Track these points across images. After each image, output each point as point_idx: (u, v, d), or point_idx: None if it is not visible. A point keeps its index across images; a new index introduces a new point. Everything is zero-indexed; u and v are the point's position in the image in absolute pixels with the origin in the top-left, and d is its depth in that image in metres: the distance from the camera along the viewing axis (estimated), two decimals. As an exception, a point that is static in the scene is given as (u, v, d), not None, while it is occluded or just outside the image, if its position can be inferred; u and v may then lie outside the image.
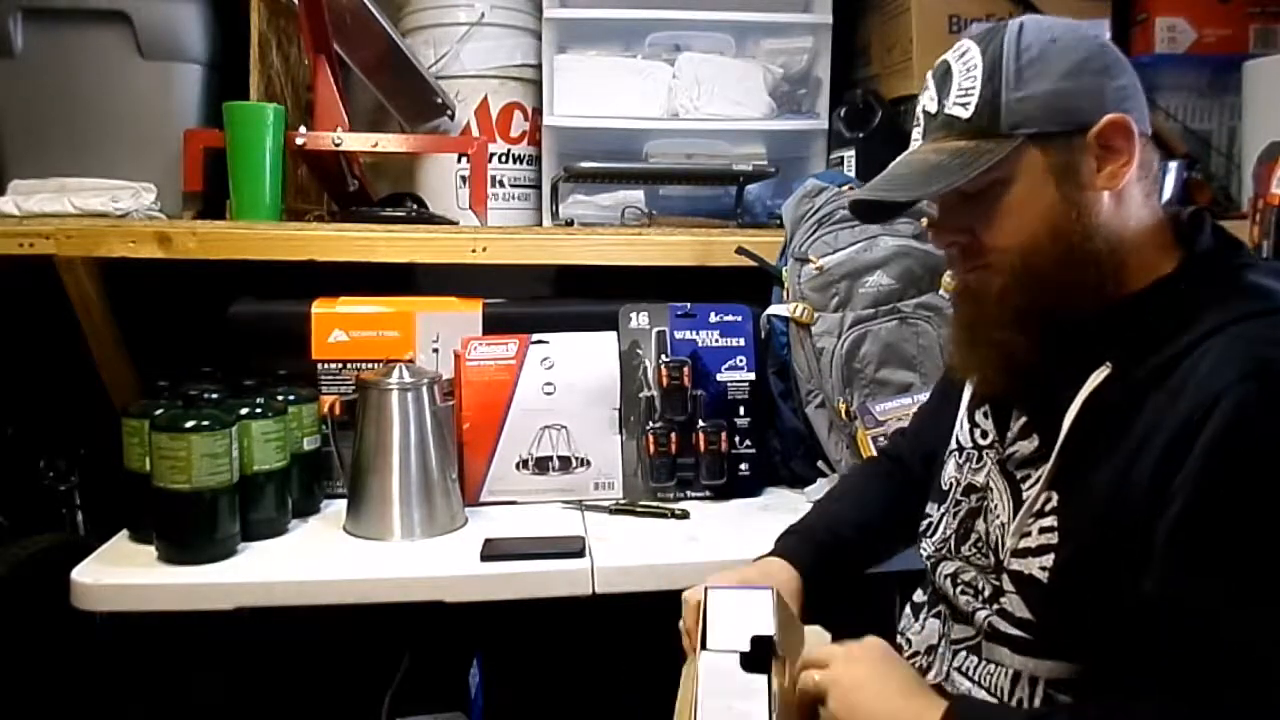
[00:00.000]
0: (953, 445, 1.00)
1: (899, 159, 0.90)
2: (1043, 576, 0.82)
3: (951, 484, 0.98)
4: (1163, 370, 0.77)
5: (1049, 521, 0.83)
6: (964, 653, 0.90)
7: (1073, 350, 0.83)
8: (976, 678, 0.88)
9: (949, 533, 0.96)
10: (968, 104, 0.84)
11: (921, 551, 1.00)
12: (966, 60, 0.85)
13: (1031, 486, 0.85)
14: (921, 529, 1.01)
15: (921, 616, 0.98)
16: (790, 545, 1.07)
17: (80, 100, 1.57)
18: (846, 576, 1.12)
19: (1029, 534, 0.84)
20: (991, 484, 0.91)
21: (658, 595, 1.05)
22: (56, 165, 1.53)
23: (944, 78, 0.87)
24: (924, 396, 1.31)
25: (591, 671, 1.62)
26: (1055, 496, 0.83)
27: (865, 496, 1.17)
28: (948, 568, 0.94)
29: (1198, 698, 0.72)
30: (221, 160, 1.53)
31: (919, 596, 1.01)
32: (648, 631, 1.25)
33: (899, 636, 1.00)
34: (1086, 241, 0.82)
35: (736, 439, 1.44)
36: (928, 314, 1.42)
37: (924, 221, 1.35)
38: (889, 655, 0.84)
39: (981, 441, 0.95)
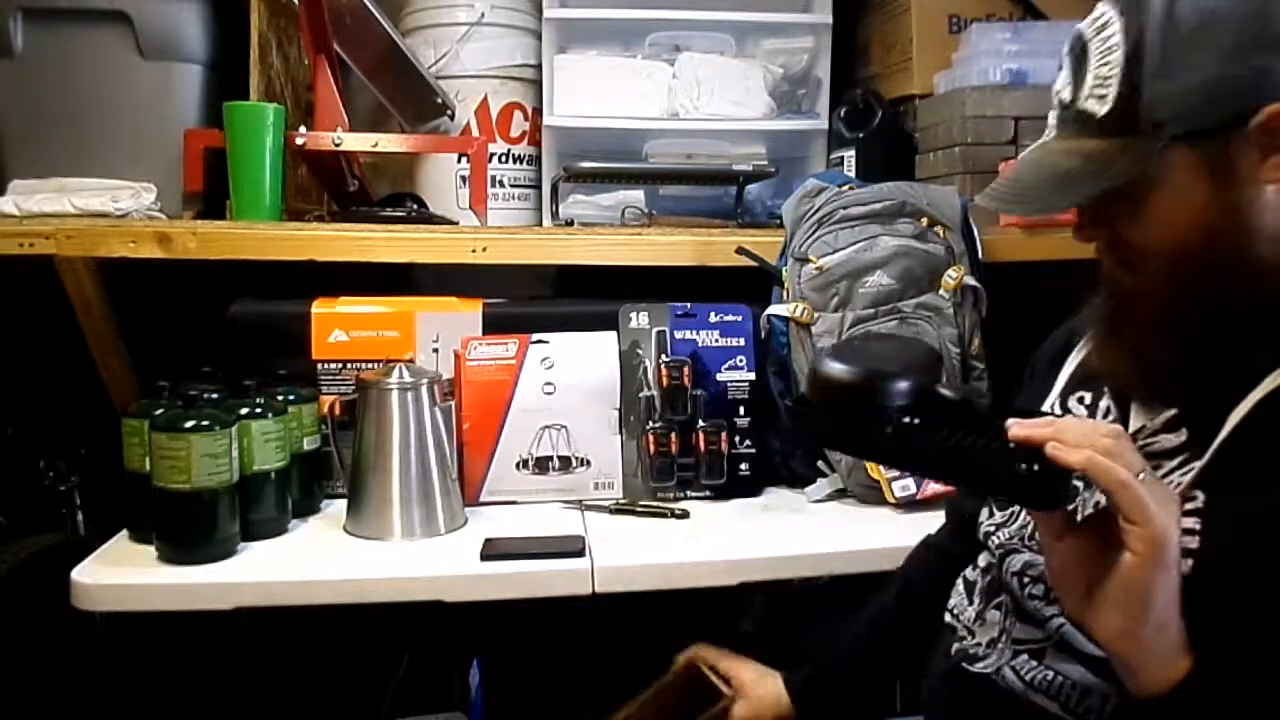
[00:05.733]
0: None
1: (1026, 156, 0.80)
2: None
3: None
4: None
5: (1190, 523, 0.73)
6: (1025, 655, 0.83)
7: (1231, 349, 0.75)
8: (1034, 681, 0.81)
9: (1028, 520, 0.87)
10: (1105, 95, 0.73)
11: (991, 538, 0.90)
12: (1106, 38, 0.73)
13: (1168, 477, 0.76)
14: (990, 517, 0.92)
15: (977, 601, 0.90)
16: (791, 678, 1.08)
17: (80, 100, 1.56)
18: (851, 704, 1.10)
19: None
20: None
21: (658, 595, 1.05)
22: (56, 165, 1.53)
23: (1079, 60, 0.75)
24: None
25: (591, 671, 1.61)
26: (1202, 496, 0.73)
27: (878, 621, 1.11)
28: (1016, 562, 0.86)
29: None
30: (221, 160, 1.52)
31: (971, 574, 0.94)
32: (648, 631, 1.25)
33: (947, 614, 0.94)
34: (1246, 244, 0.72)
35: (736, 439, 1.43)
36: (928, 314, 1.42)
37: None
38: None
39: None
